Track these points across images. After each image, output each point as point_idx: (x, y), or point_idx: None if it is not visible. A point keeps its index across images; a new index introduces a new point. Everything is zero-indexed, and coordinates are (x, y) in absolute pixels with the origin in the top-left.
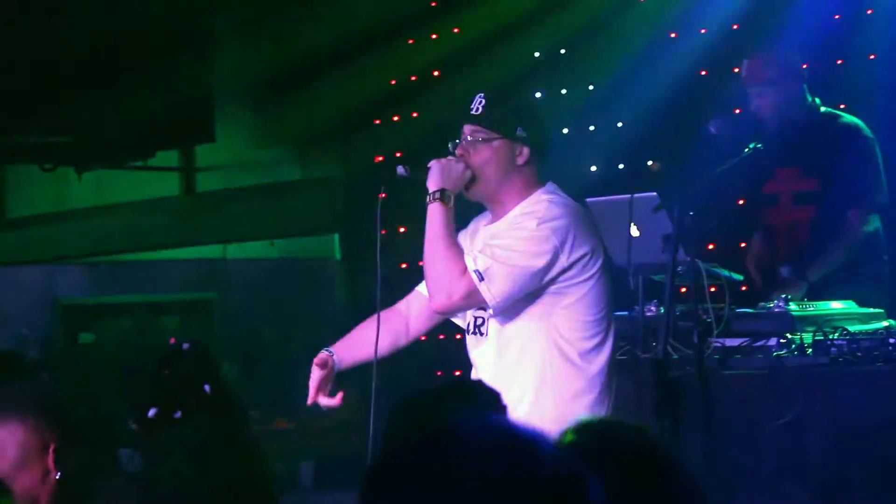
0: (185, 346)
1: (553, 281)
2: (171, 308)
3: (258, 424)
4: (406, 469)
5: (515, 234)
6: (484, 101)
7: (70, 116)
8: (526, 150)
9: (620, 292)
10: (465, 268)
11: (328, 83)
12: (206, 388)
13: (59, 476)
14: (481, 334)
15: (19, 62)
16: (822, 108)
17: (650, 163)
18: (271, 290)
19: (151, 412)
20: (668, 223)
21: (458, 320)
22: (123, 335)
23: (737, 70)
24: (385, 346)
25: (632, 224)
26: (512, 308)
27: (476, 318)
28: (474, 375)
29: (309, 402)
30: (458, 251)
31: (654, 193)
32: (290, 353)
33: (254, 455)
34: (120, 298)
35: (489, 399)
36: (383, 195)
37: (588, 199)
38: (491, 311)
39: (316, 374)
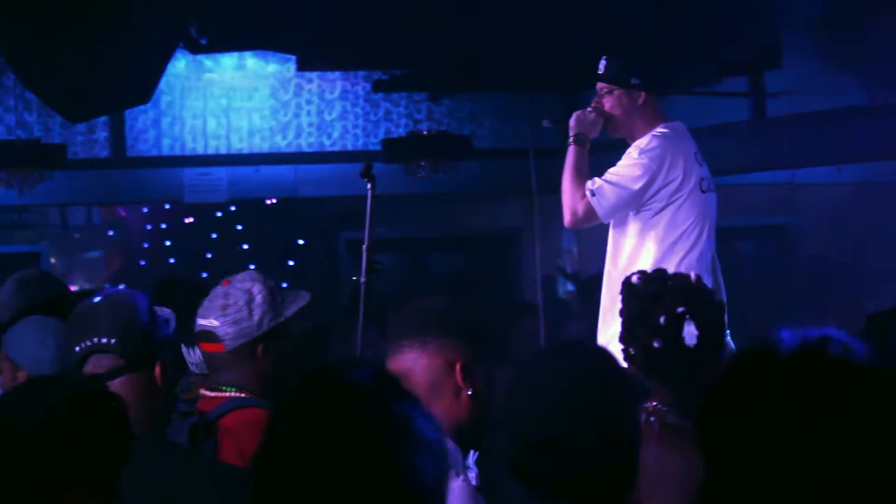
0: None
1: (652, 197)
2: (743, 233)
3: None
4: None
5: (623, 161)
6: (605, 61)
7: None
8: (643, 94)
9: None
10: (585, 193)
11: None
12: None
13: (472, 392)
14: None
15: None
16: None
17: None
18: (841, 216)
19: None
20: None
21: None
22: None
23: None
24: None
25: None
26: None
27: None
28: None
29: None
30: (583, 182)
31: None
32: (864, 274)
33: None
34: None
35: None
36: None
37: None
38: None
39: None
